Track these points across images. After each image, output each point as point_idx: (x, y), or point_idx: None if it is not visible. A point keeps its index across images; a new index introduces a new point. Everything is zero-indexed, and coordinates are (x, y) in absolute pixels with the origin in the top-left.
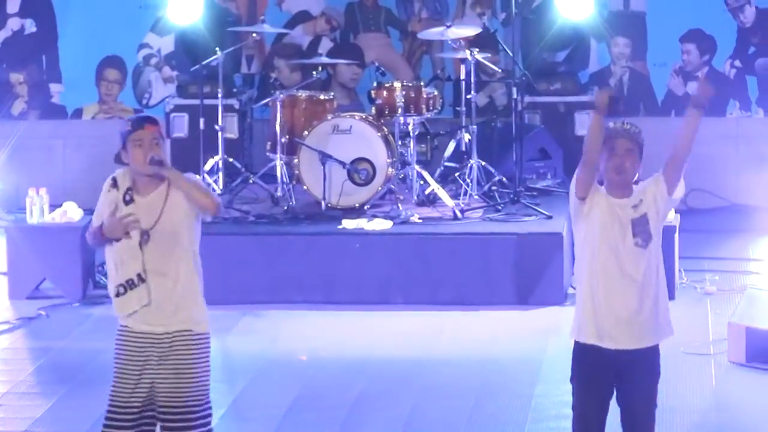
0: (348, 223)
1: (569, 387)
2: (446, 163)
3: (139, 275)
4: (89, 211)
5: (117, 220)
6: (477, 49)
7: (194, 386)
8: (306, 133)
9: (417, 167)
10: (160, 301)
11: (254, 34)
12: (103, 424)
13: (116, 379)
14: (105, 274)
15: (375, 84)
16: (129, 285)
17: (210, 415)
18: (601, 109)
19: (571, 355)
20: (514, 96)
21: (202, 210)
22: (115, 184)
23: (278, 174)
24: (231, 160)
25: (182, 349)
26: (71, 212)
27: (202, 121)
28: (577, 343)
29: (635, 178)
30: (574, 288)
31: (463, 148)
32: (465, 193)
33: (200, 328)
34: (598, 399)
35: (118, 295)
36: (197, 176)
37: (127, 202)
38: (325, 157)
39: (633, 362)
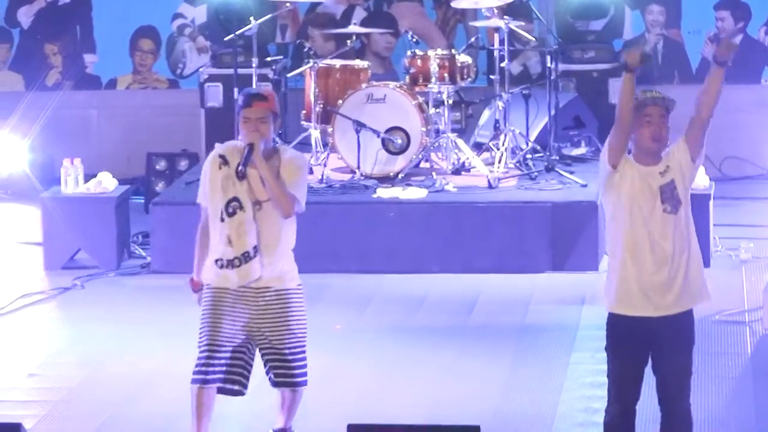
0: (383, 192)
1: (605, 355)
2: (481, 132)
3: (255, 247)
4: (123, 181)
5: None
6: (511, 18)
7: (294, 331)
8: (340, 102)
9: (451, 136)
10: (266, 272)
11: (288, 4)
12: (209, 369)
13: (211, 328)
14: (140, 245)
15: (409, 53)
16: (245, 258)
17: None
18: (633, 68)
19: (606, 325)
20: (548, 64)
21: (277, 206)
22: (225, 161)
23: (313, 143)
24: None
25: (274, 302)
26: (106, 182)
27: (236, 90)
28: (611, 314)
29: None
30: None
31: (498, 117)
32: (499, 162)
33: (291, 284)
34: (633, 367)
35: (232, 267)
36: (300, 183)
37: (240, 177)
38: (359, 126)
39: (667, 329)
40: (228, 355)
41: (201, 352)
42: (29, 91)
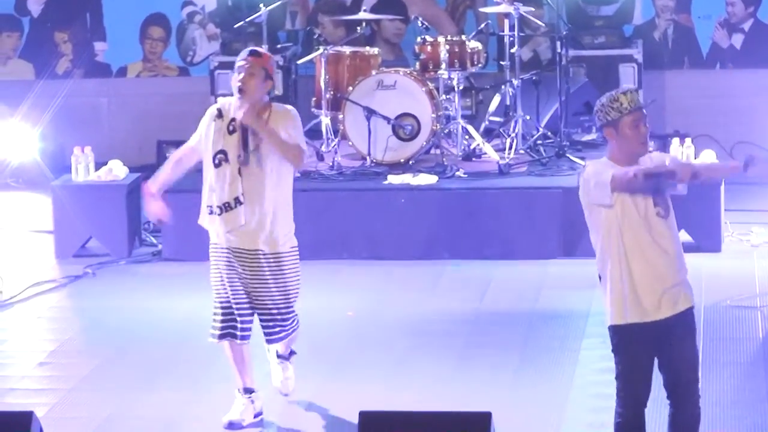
0: (393, 179)
1: None
2: (491, 118)
3: (236, 199)
4: (134, 169)
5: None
6: (521, 3)
7: (288, 292)
8: (351, 88)
9: (462, 122)
10: (251, 223)
11: None
12: (221, 325)
13: (217, 291)
14: (151, 232)
15: (419, 39)
16: (225, 207)
17: (295, 318)
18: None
19: (612, 331)
20: (559, 50)
21: (288, 161)
22: (220, 114)
23: (323, 130)
24: None
25: (267, 265)
26: (116, 170)
27: None
28: (615, 327)
29: None
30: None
31: (508, 103)
32: (510, 148)
33: (283, 248)
34: (645, 368)
35: (212, 214)
36: (297, 133)
37: (230, 132)
38: (370, 113)
39: (674, 327)
40: (233, 310)
41: (214, 309)
42: (40, 80)
